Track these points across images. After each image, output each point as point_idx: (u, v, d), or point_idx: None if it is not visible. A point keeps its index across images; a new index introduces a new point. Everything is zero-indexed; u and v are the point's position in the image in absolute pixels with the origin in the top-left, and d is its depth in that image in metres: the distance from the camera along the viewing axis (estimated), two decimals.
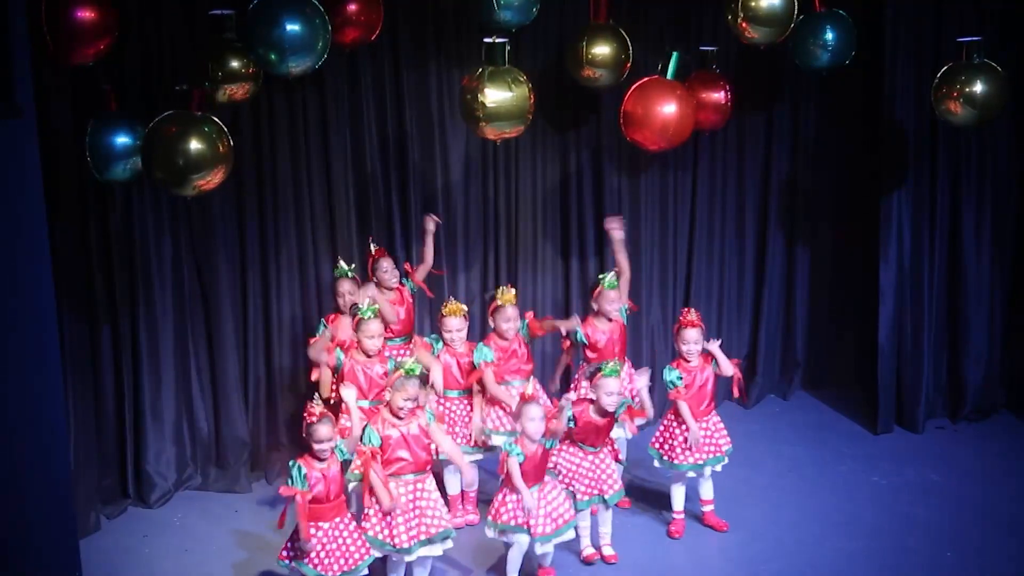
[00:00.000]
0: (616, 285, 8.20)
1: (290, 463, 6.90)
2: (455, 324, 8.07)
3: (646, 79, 8.20)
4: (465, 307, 8.17)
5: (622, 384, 7.61)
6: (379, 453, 7.02)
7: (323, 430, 6.82)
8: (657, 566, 7.75)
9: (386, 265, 8.39)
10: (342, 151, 8.73)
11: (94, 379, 8.21)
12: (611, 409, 7.46)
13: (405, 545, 7.03)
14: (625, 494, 7.83)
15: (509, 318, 8.09)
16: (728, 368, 7.90)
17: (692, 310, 8.03)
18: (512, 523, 7.20)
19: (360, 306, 7.77)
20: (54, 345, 6.31)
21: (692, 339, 7.87)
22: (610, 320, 8.20)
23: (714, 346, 7.91)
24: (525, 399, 7.24)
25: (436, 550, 7.16)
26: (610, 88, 8.52)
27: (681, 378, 7.84)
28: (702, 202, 9.53)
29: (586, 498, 7.56)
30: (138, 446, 8.47)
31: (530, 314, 8.30)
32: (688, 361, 7.88)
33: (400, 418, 7.09)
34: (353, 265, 8.37)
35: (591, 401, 7.53)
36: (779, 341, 9.95)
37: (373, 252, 8.46)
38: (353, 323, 7.80)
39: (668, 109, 8.04)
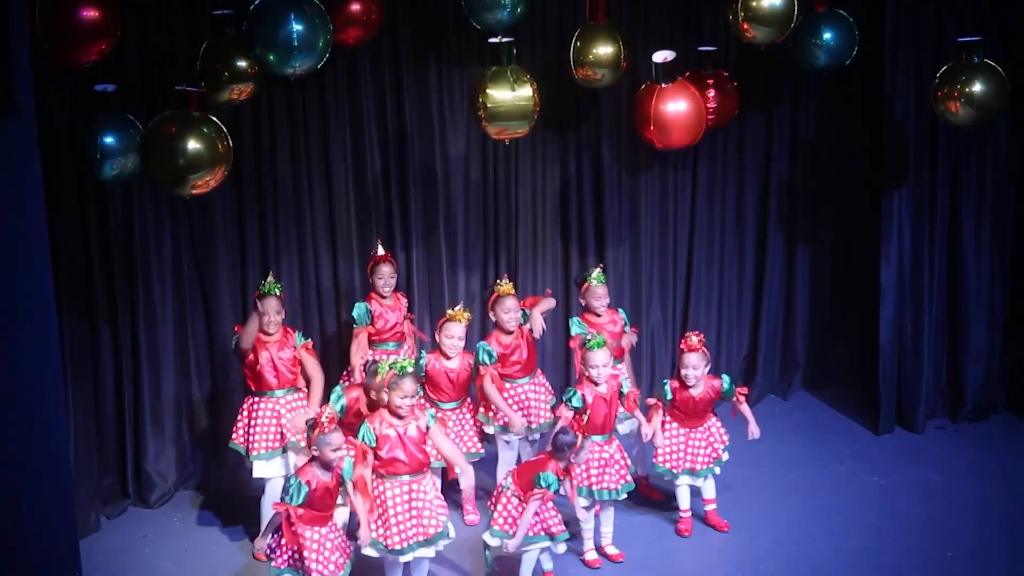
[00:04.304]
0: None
1: (290, 477, 6.85)
2: (456, 331, 7.93)
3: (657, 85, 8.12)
4: (469, 315, 8.05)
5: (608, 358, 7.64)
6: (368, 452, 6.97)
7: (336, 438, 6.74)
8: (657, 565, 7.75)
9: (385, 271, 8.28)
10: (342, 151, 8.73)
11: (94, 379, 8.21)
12: (600, 381, 7.51)
13: (399, 547, 6.99)
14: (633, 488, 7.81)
15: (509, 309, 8.07)
16: (754, 429, 8.01)
17: (696, 335, 7.93)
18: (508, 531, 7.17)
19: (380, 361, 7.46)
20: (54, 344, 6.30)
21: (691, 364, 7.82)
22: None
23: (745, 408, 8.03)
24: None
25: (431, 551, 7.10)
26: (610, 88, 8.49)
27: (671, 400, 7.87)
28: (702, 202, 9.52)
29: (606, 490, 7.57)
30: (138, 446, 8.47)
31: (528, 300, 8.38)
32: (688, 386, 7.85)
33: (400, 417, 7.04)
34: (280, 283, 7.93)
35: (586, 379, 7.62)
36: (779, 341, 9.94)
37: (378, 255, 8.37)
38: (385, 381, 7.10)
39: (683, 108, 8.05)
